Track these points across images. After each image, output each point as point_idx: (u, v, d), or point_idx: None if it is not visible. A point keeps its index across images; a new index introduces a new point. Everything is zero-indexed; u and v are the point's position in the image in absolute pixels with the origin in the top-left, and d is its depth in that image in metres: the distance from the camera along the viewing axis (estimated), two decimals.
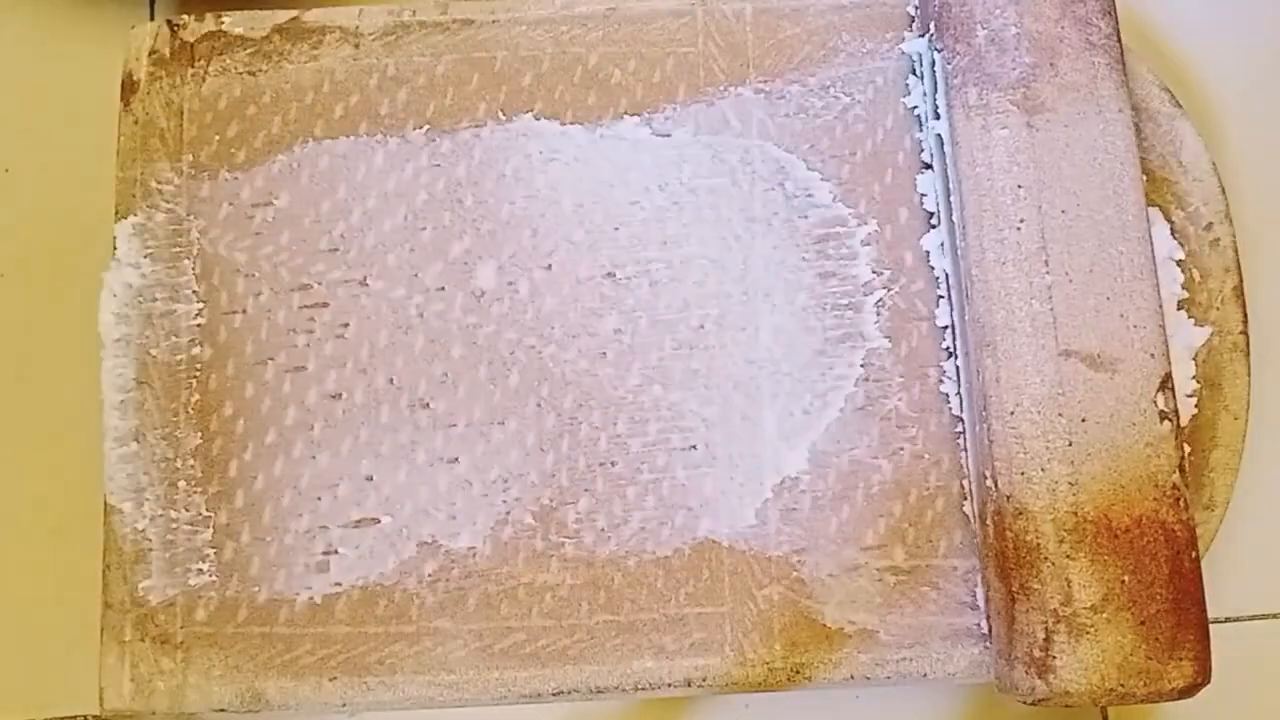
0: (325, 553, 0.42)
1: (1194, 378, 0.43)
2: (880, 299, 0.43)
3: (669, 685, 0.41)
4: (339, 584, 0.41)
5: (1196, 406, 0.43)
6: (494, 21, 0.45)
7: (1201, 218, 0.44)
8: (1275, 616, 0.47)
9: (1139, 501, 0.38)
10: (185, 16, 0.46)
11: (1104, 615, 0.37)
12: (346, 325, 0.43)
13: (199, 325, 0.43)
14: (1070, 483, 0.38)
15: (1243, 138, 0.50)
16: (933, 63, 0.43)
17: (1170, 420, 0.38)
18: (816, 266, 0.43)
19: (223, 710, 0.41)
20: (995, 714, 0.46)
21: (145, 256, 0.44)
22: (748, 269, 0.43)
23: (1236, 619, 0.47)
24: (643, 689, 0.41)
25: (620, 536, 0.42)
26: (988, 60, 0.41)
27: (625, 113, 0.45)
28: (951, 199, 0.42)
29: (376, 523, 0.42)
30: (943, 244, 0.43)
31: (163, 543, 0.42)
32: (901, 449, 0.42)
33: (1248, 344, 0.43)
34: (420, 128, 0.45)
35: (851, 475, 0.42)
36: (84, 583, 0.43)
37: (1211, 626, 0.38)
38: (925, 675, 0.41)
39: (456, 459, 0.42)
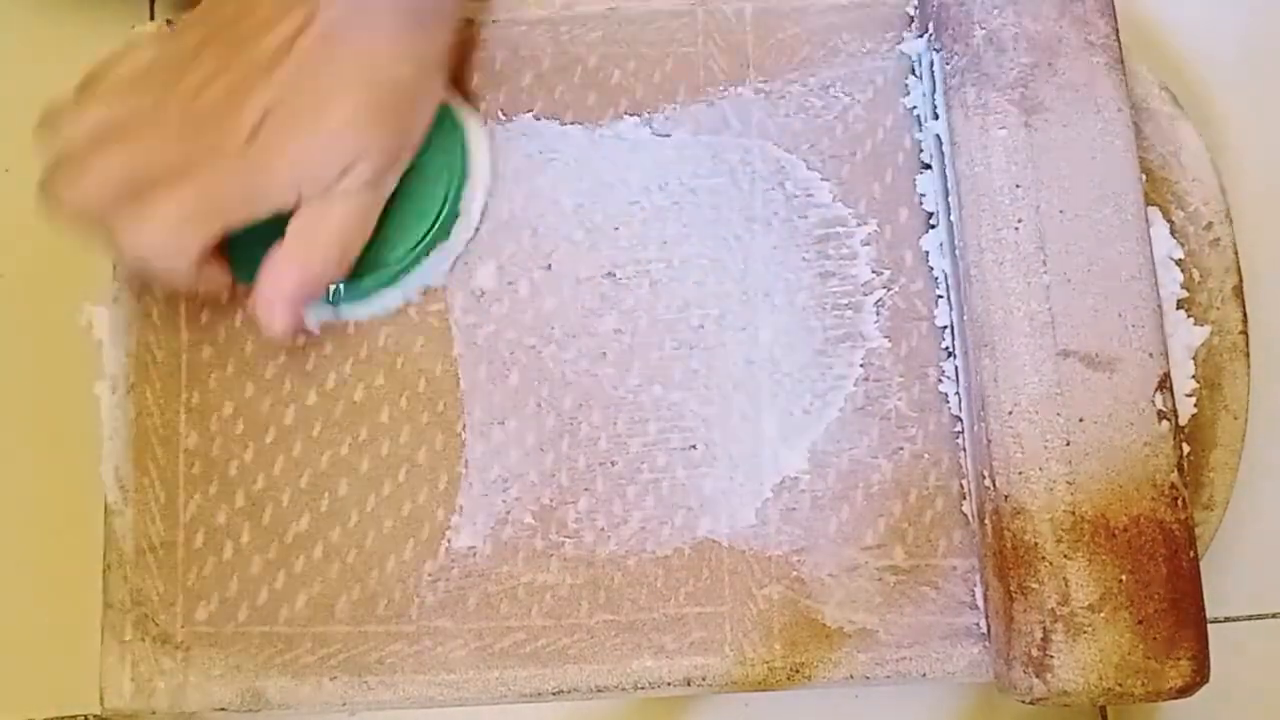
0: (325, 552, 0.42)
1: (1193, 377, 0.43)
2: (880, 299, 0.43)
3: (669, 684, 0.41)
4: (339, 583, 0.41)
5: (1196, 406, 0.43)
6: (494, 21, 0.45)
7: (1201, 217, 0.44)
8: (1275, 616, 0.47)
9: (1137, 501, 0.38)
10: (185, 16, 0.46)
11: (1102, 615, 0.37)
12: (346, 325, 0.43)
13: (199, 325, 0.43)
14: (1068, 482, 0.38)
15: (1243, 138, 0.50)
16: (931, 63, 0.43)
17: (1169, 420, 0.38)
18: (816, 266, 0.43)
19: (223, 710, 0.41)
20: (995, 714, 0.46)
21: None
22: (748, 269, 0.43)
23: (1236, 619, 0.47)
24: (643, 688, 0.41)
25: (620, 536, 0.42)
26: (986, 60, 0.41)
27: (625, 113, 0.45)
28: (950, 199, 0.42)
29: (377, 522, 0.42)
30: (942, 244, 0.43)
31: (163, 542, 0.42)
32: (901, 449, 0.42)
33: (1248, 344, 0.44)
34: None
35: (851, 475, 0.42)
36: (84, 583, 0.43)
37: (1210, 626, 0.38)
38: (925, 675, 0.41)
39: (457, 458, 0.42)
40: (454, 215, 0.43)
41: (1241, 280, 0.44)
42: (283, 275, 0.39)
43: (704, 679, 0.41)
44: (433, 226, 0.42)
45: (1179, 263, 0.44)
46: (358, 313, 0.43)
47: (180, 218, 0.37)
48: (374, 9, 0.37)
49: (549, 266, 0.43)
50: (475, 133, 0.44)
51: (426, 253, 0.42)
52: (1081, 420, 0.38)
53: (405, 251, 0.42)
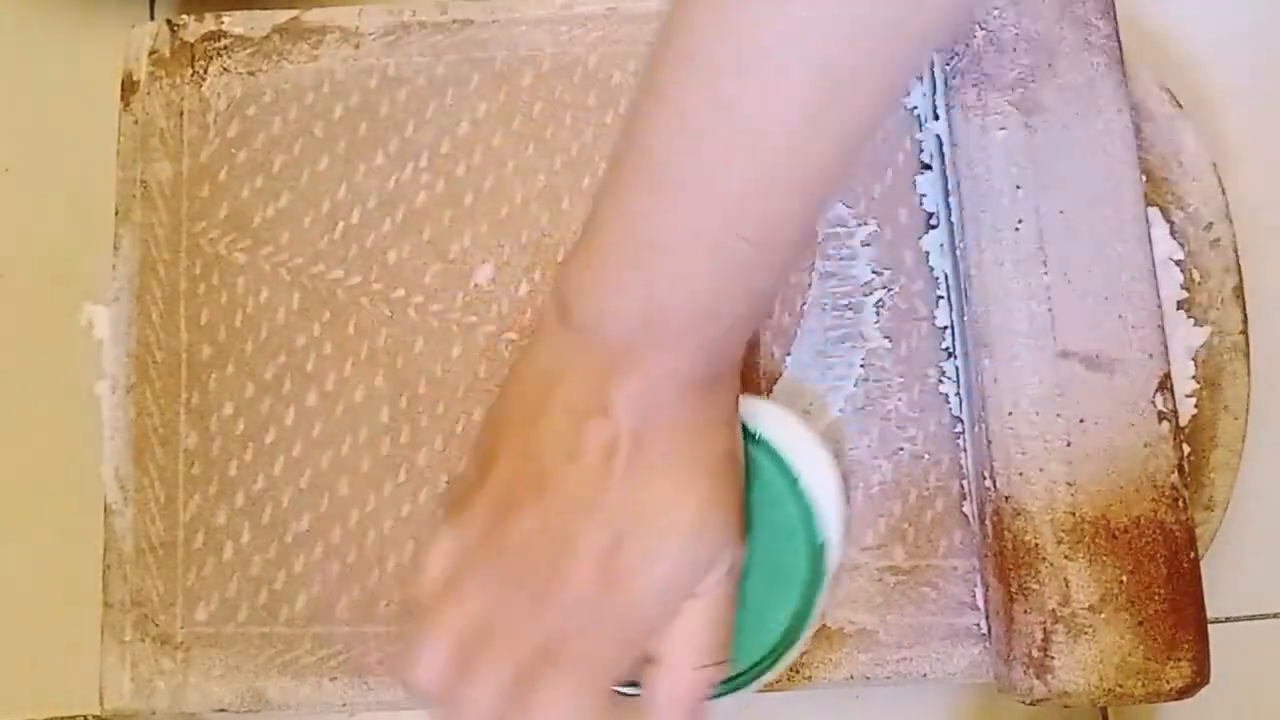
0: (325, 552, 0.42)
1: (1194, 378, 0.43)
2: (880, 299, 0.43)
3: None
4: (339, 583, 0.41)
5: (1196, 406, 0.43)
6: (494, 21, 0.45)
7: (1201, 218, 0.44)
8: (1275, 616, 0.47)
9: (1137, 502, 0.38)
10: (185, 16, 0.46)
11: (1102, 616, 0.37)
12: (346, 325, 0.43)
13: (199, 325, 0.43)
14: (1068, 483, 0.38)
15: (1243, 138, 0.50)
16: (932, 63, 0.43)
17: (1169, 420, 0.38)
18: (817, 266, 0.43)
19: (223, 710, 0.41)
20: (995, 714, 0.46)
21: (145, 257, 0.44)
22: None
23: (1236, 619, 0.47)
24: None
25: None
26: (986, 61, 0.41)
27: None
28: (950, 200, 0.42)
29: (377, 522, 0.42)
30: (942, 244, 0.43)
31: (163, 542, 0.42)
32: (901, 449, 0.42)
33: (1248, 344, 0.43)
34: (420, 128, 0.45)
35: (851, 475, 0.42)
36: (84, 583, 0.43)
37: (1211, 626, 0.38)
38: (925, 675, 0.41)
39: (458, 459, 0.42)
40: (822, 553, 0.38)
41: (1241, 280, 0.44)
42: (682, 687, 0.34)
43: None
44: (808, 584, 0.37)
45: (1179, 263, 0.44)
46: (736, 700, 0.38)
47: (576, 697, 0.33)
48: (669, 395, 0.33)
49: (550, 266, 0.43)
50: (793, 441, 0.38)
51: (808, 614, 0.38)
52: (1082, 421, 0.38)
53: (783, 622, 0.37)
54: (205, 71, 0.45)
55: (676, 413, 0.33)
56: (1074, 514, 0.38)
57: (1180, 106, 0.45)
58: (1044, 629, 0.37)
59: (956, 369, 0.42)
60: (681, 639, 0.34)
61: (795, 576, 0.37)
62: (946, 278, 0.43)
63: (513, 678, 0.33)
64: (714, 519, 0.34)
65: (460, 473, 0.36)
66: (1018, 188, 0.40)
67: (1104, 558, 0.37)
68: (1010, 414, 0.39)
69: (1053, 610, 0.37)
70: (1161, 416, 0.38)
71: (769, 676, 0.38)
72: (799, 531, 0.38)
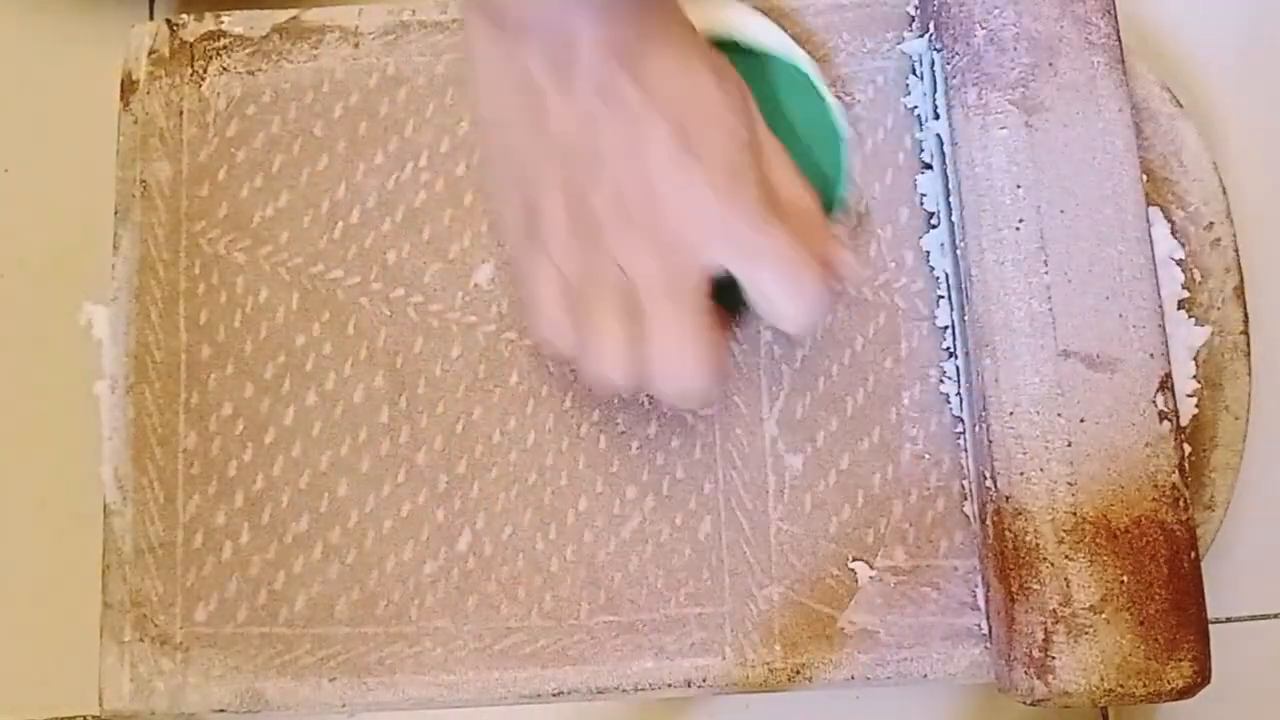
0: (325, 553, 0.42)
1: (1194, 378, 0.43)
2: (881, 299, 0.43)
3: (669, 686, 0.41)
4: (339, 584, 0.41)
5: (1197, 406, 0.43)
6: None
7: (1202, 217, 0.44)
8: (1275, 616, 0.47)
9: (1138, 502, 0.38)
10: (185, 16, 0.46)
11: (1103, 616, 0.37)
12: (346, 325, 0.43)
13: (198, 325, 0.43)
14: (1069, 483, 0.38)
15: (1243, 138, 0.50)
16: (932, 63, 0.43)
17: (1170, 420, 0.38)
18: None
19: (223, 710, 0.41)
20: (996, 715, 0.46)
21: (145, 257, 0.44)
22: None
23: (1236, 619, 0.47)
24: (643, 689, 0.41)
25: (620, 536, 0.42)
26: (987, 60, 0.41)
27: None
28: (951, 199, 0.42)
29: (376, 522, 0.42)
30: (943, 244, 0.43)
31: (162, 543, 0.42)
32: (902, 449, 0.42)
33: (1248, 344, 0.43)
34: (420, 127, 0.45)
35: (852, 475, 0.42)
36: (84, 583, 0.43)
37: (1211, 626, 0.38)
38: (925, 675, 0.41)
39: (457, 459, 0.42)
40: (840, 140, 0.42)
41: (1242, 280, 0.44)
42: (799, 209, 0.37)
43: (705, 680, 0.41)
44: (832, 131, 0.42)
45: (1180, 263, 0.44)
46: None
47: (788, 247, 0.35)
48: (626, 22, 0.34)
49: None
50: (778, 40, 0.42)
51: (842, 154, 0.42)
52: (1083, 421, 0.38)
53: (830, 165, 0.41)
54: (205, 71, 0.45)
55: (638, 30, 0.35)
56: (1075, 514, 0.38)
57: (1181, 106, 0.45)
58: (1045, 629, 0.37)
59: (957, 369, 0.42)
60: (777, 182, 0.36)
61: (823, 132, 0.41)
62: (947, 277, 0.43)
63: (694, 294, 0.35)
64: (726, 73, 0.37)
65: (504, 222, 0.38)
66: (1018, 187, 0.40)
67: (1105, 558, 0.37)
68: (1011, 414, 0.39)
69: (1053, 610, 0.37)
70: (1162, 416, 0.38)
71: (843, 192, 0.41)
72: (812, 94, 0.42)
